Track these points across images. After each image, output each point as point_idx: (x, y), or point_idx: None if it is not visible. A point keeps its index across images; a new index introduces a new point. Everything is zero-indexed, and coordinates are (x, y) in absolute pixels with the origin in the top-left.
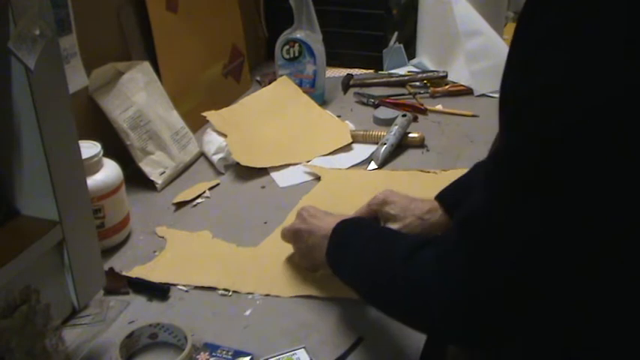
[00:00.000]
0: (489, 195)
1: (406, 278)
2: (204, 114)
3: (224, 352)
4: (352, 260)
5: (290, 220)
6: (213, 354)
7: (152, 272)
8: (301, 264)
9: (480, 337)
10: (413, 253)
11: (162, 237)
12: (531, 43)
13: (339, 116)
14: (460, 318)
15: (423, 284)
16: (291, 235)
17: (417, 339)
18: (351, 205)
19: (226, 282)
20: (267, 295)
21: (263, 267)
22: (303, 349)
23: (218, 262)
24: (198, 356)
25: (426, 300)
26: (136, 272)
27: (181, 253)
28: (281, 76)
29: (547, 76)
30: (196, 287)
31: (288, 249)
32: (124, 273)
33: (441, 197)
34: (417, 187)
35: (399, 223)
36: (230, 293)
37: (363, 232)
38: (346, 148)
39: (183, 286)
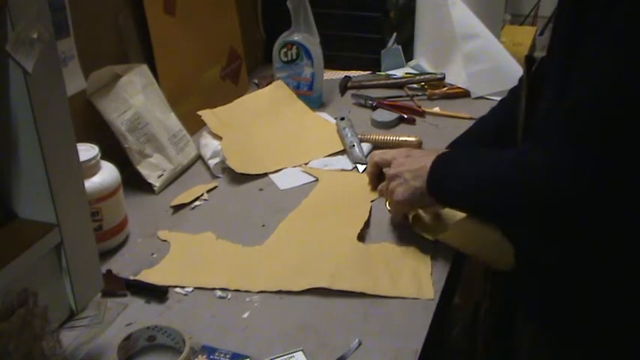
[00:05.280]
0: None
1: (518, 175)
2: (198, 113)
3: (222, 355)
4: (462, 175)
5: (289, 220)
6: (211, 356)
7: (159, 276)
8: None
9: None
10: (520, 156)
11: (165, 240)
12: None
13: (342, 118)
14: (573, 199)
15: (534, 176)
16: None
17: (415, 340)
18: (351, 206)
19: (236, 282)
20: (279, 290)
21: (270, 264)
22: (301, 352)
23: (225, 263)
24: (196, 359)
25: (536, 187)
26: (144, 276)
27: (187, 256)
28: (279, 78)
29: None
30: (195, 289)
31: (294, 245)
32: (130, 277)
33: (453, 144)
34: None
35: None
36: (228, 296)
37: (463, 156)
38: (342, 151)
39: (193, 288)
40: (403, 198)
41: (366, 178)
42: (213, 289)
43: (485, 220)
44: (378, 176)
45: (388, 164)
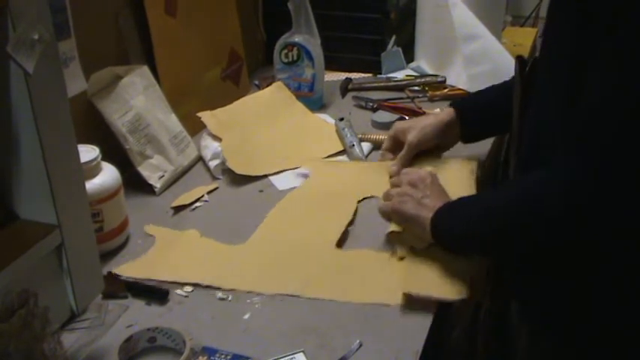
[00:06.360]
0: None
1: (517, 195)
2: (198, 114)
3: (222, 356)
4: (463, 214)
5: (272, 216)
6: (212, 358)
7: (133, 269)
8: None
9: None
10: (518, 180)
11: (152, 235)
12: None
13: (342, 119)
14: (572, 221)
15: (532, 196)
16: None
17: (416, 342)
18: (336, 206)
19: (210, 278)
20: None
21: (247, 263)
22: (301, 353)
23: (203, 258)
24: None
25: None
26: (122, 270)
27: (169, 251)
28: (279, 80)
29: None
30: (195, 291)
31: (273, 245)
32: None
33: (455, 102)
34: None
35: (417, 128)
36: (229, 297)
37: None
38: (341, 151)
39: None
40: (402, 211)
41: (360, 175)
42: (186, 283)
43: (483, 253)
44: (395, 151)
45: (404, 133)
